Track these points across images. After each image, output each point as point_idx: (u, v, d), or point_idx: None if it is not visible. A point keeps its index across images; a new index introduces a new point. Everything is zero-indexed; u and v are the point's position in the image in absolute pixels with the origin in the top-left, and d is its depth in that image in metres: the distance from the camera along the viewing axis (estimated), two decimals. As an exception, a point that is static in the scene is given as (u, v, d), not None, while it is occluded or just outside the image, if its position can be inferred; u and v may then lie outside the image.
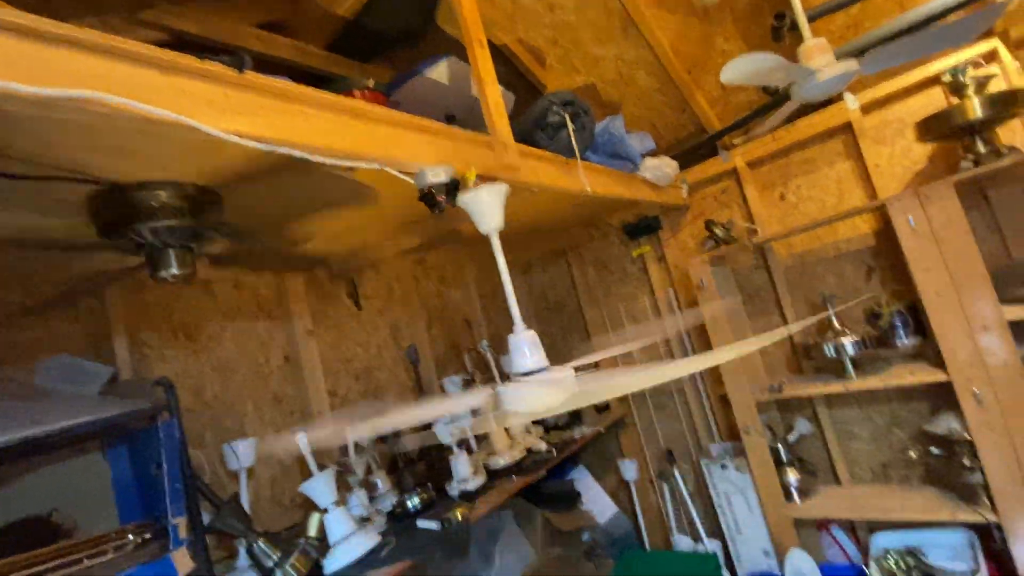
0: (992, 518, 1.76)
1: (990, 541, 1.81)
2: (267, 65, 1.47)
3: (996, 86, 1.91)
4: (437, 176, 0.99)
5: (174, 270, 1.07)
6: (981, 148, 1.86)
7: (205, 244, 1.19)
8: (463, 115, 1.77)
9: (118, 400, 1.35)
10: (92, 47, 0.65)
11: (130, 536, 1.19)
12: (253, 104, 0.76)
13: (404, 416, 1.29)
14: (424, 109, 1.32)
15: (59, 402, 1.32)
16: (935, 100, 2.09)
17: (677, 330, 2.68)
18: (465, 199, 1.09)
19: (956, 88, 1.89)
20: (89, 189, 0.97)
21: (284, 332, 2.05)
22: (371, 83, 1.33)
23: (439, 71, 1.60)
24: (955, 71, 1.89)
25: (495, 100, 1.31)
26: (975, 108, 1.76)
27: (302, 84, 0.91)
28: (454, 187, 1.03)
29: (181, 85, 0.69)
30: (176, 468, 1.21)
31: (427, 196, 0.99)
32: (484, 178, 1.27)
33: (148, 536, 1.20)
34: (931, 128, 1.87)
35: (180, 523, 1.19)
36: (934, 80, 2.05)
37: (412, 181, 1.03)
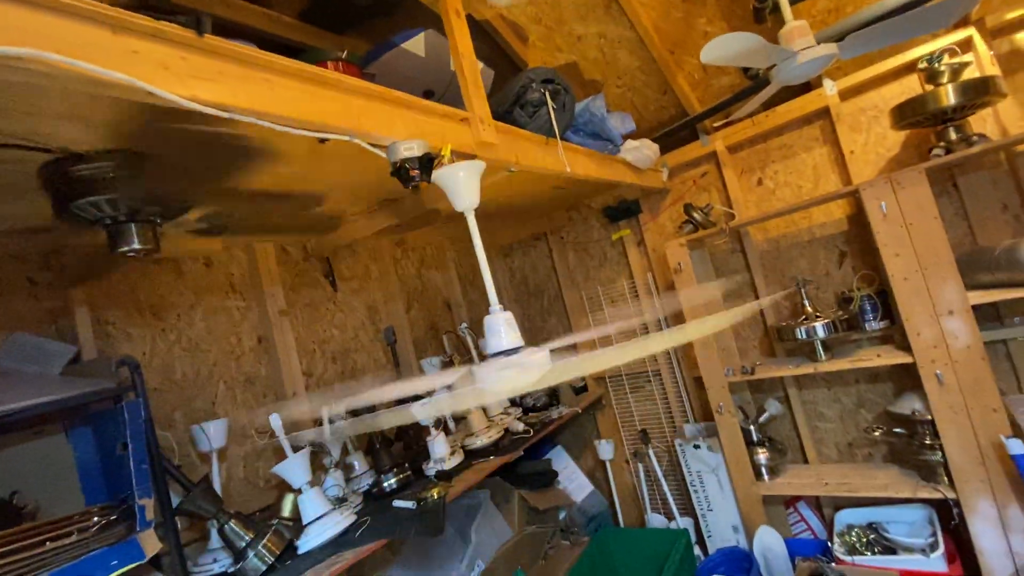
0: (950, 495, 1.84)
1: (948, 517, 1.89)
2: (234, 32, 1.41)
3: (970, 74, 1.94)
4: (410, 150, 0.96)
5: (135, 245, 1.03)
6: (953, 136, 1.89)
7: (170, 219, 1.14)
8: (442, 91, 1.73)
9: (81, 380, 1.31)
10: (33, 1, 0.61)
11: (95, 518, 1.16)
12: (213, 69, 0.72)
13: (380, 393, 1.28)
14: (401, 83, 1.28)
15: (18, 382, 1.27)
16: (911, 88, 2.11)
17: (654, 312, 2.71)
18: (440, 175, 1.07)
19: (931, 75, 1.91)
20: (41, 159, 0.92)
21: (257, 312, 2.01)
22: (344, 54, 1.28)
23: (416, 43, 1.55)
24: (931, 58, 1.91)
25: (472, 74, 1.27)
26: (948, 95, 1.78)
27: (270, 52, 0.87)
28: (428, 162, 1.00)
29: (133, 45, 0.65)
30: (142, 449, 1.18)
31: (400, 170, 0.97)
32: (460, 155, 1.25)
33: (114, 518, 1.17)
34: (906, 114, 1.90)
35: (147, 504, 1.17)
36: (911, 67, 2.07)
37: (384, 155, 1.00)
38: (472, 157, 1.29)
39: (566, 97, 1.66)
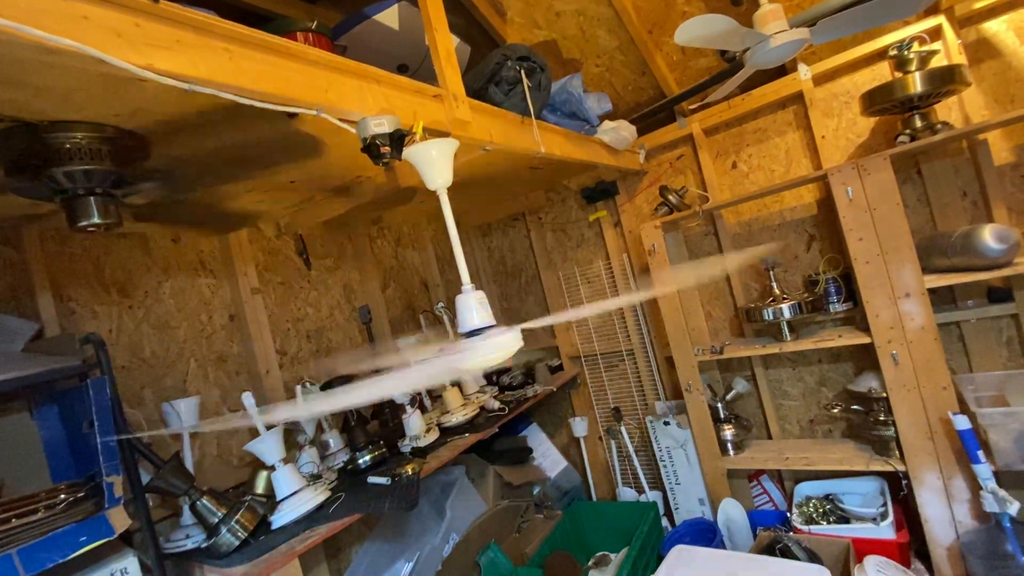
0: (901, 467, 1.94)
1: (898, 489, 2.00)
2: (199, -1, 1.35)
3: (938, 62, 1.98)
4: (380, 126, 0.95)
5: (95, 219, 1.00)
6: (918, 123, 1.94)
7: (130, 193, 1.11)
8: (416, 66, 1.70)
9: (44, 357, 1.28)
10: (-27, -40, 0.58)
11: (62, 495, 1.15)
12: (169, 37, 0.69)
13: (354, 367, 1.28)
14: (374, 57, 1.26)
15: (-23, 359, 1.24)
16: (882, 74, 2.15)
17: (628, 292, 2.75)
18: (412, 153, 1.06)
19: (901, 63, 1.95)
20: (-8, 127, 0.88)
21: (228, 290, 1.98)
22: (314, 25, 1.24)
23: (389, 15, 1.51)
24: (901, 46, 1.94)
25: (446, 49, 1.25)
26: (915, 83, 1.82)
27: (235, 22, 0.84)
28: (399, 139, 0.99)
29: (83, 10, 0.62)
30: (109, 426, 1.17)
31: (370, 147, 0.96)
32: (433, 132, 1.24)
33: (81, 495, 1.16)
34: (875, 100, 1.94)
35: (115, 481, 1.16)
36: (882, 54, 2.11)
37: (354, 131, 0.98)
38: (445, 135, 1.28)
39: (542, 76, 1.65)
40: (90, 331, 1.55)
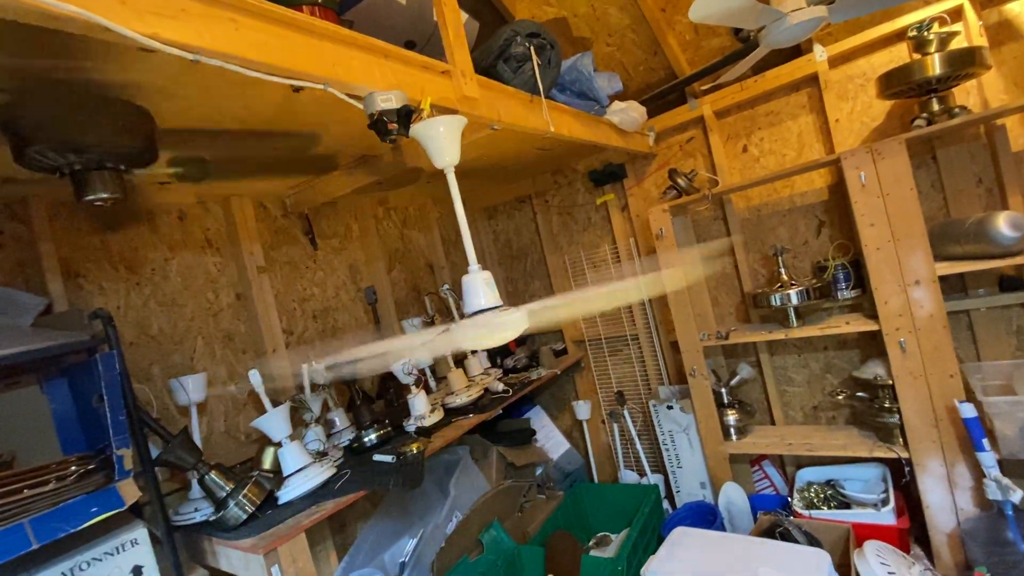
0: (904, 454, 1.95)
1: (900, 475, 2.00)
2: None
3: (958, 44, 1.93)
4: (387, 102, 0.93)
5: (101, 193, 1.00)
6: (935, 107, 1.90)
7: (135, 166, 1.10)
8: (424, 43, 1.67)
9: (53, 332, 1.29)
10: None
11: (73, 467, 1.17)
12: (175, 6, 0.68)
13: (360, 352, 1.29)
14: (381, 32, 1.23)
15: (-13, 333, 1.25)
16: (900, 56, 2.10)
17: (634, 276, 2.74)
18: (419, 129, 1.04)
19: (920, 44, 1.90)
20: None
21: (235, 268, 1.98)
22: (320, -2, 1.21)
23: (397, -10, 1.48)
24: (920, 27, 1.89)
25: (454, 24, 1.23)
26: (934, 65, 1.78)
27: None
28: (407, 115, 0.98)
29: (87, -24, 0.61)
30: (118, 400, 1.18)
31: (377, 123, 0.94)
32: (441, 109, 1.22)
33: (92, 467, 1.18)
34: (892, 82, 1.89)
35: (125, 454, 1.18)
36: (900, 35, 2.06)
37: (360, 106, 0.97)
38: (453, 112, 1.26)
39: (552, 53, 1.62)
40: (98, 307, 1.57)
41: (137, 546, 1.17)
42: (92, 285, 1.61)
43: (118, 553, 1.15)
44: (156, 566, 1.18)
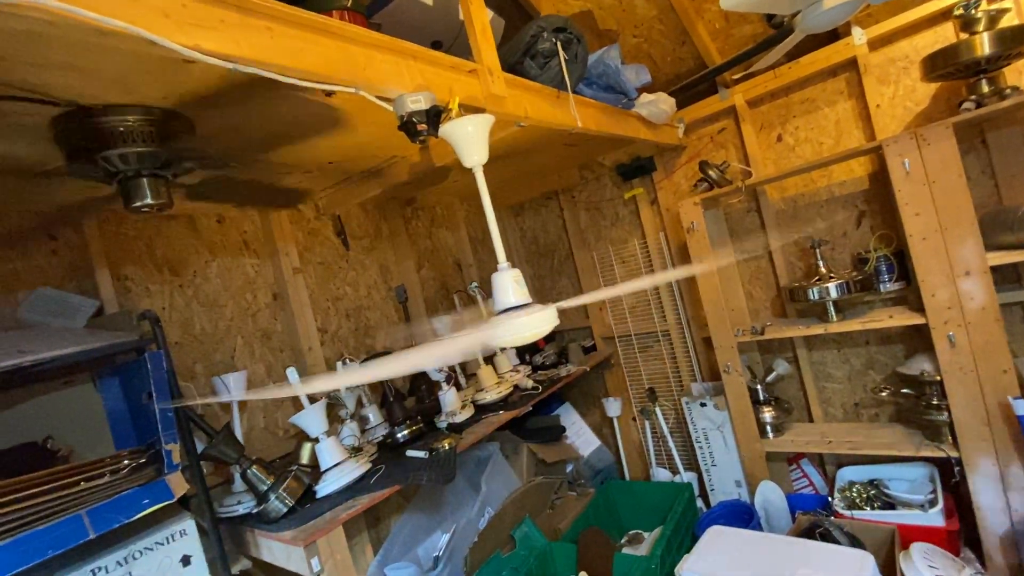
0: (953, 453, 1.86)
1: (949, 475, 1.91)
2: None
3: (1008, 21, 1.82)
4: (417, 103, 0.94)
5: (148, 200, 1.04)
6: (985, 88, 1.80)
7: (180, 173, 1.15)
8: (450, 42, 1.68)
9: (105, 332, 1.36)
10: (31, -54, 0.59)
11: (125, 461, 1.23)
12: (213, 17, 0.70)
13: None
14: (408, 34, 1.24)
15: (46, 334, 1.32)
16: (945, 36, 2.00)
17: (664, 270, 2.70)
18: (448, 129, 1.05)
19: (967, 23, 1.80)
20: (52, 112, 0.92)
21: (271, 269, 2.04)
22: (349, 2, 1.24)
23: (423, -9, 1.49)
24: (968, 4, 1.79)
25: (481, 22, 1.23)
26: (983, 44, 1.69)
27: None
28: (436, 116, 0.98)
29: (132, -9, 0.64)
30: (166, 397, 1.23)
31: (407, 124, 0.95)
32: (469, 108, 1.22)
33: (143, 461, 1.24)
34: (937, 64, 1.80)
35: (173, 449, 1.23)
36: (946, 14, 1.95)
37: (390, 108, 0.98)
38: (481, 110, 1.26)
39: (579, 47, 1.60)
40: (145, 308, 1.64)
41: (185, 536, 1.23)
42: (139, 287, 1.68)
43: (168, 543, 1.20)
44: (203, 556, 1.23)
